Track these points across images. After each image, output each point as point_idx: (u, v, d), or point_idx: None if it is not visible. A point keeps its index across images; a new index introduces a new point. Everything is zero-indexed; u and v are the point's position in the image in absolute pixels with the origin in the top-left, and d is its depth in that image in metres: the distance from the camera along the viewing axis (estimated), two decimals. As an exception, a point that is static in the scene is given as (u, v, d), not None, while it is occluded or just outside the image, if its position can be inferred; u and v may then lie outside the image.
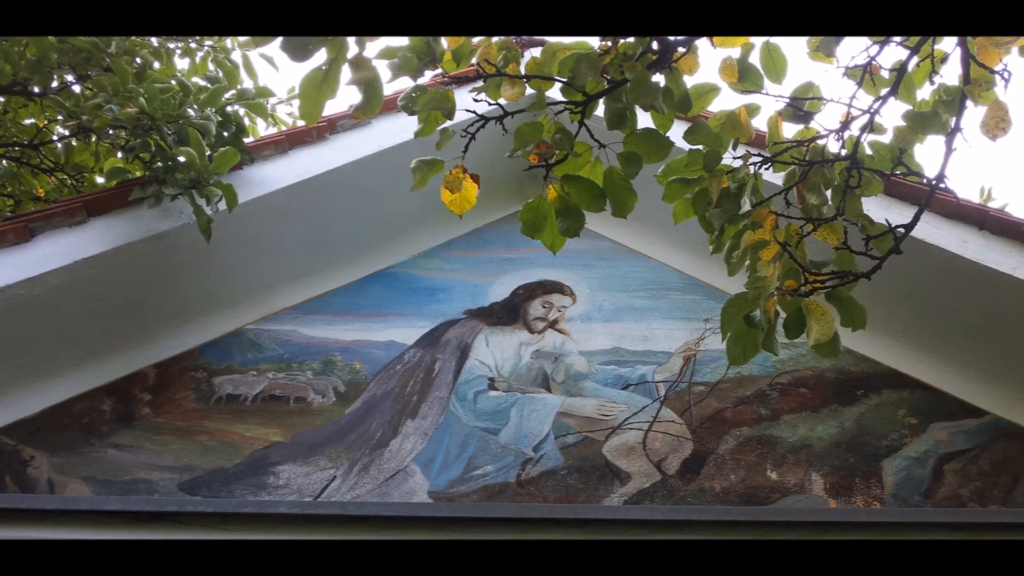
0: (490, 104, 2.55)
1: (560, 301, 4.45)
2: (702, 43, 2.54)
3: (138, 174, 4.23)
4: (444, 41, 2.48)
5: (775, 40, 2.67)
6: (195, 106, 4.04)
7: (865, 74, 2.62)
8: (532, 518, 3.47)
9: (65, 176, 6.10)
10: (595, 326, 4.34)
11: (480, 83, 2.53)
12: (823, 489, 3.73)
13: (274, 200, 4.12)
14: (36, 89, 5.34)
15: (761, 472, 3.79)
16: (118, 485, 3.74)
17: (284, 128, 6.24)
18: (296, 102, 6.08)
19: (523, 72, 2.54)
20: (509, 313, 4.42)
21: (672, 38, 2.45)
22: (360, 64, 2.30)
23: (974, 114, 2.84)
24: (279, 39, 2.21)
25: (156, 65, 5.20)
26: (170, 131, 3.87)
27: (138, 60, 5.02)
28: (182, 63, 5.80)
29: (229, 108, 4.23)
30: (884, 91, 2.61)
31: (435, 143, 2.51)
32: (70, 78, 5.34)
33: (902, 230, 2.53)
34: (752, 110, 2.71)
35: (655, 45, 2.45)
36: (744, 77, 2.66)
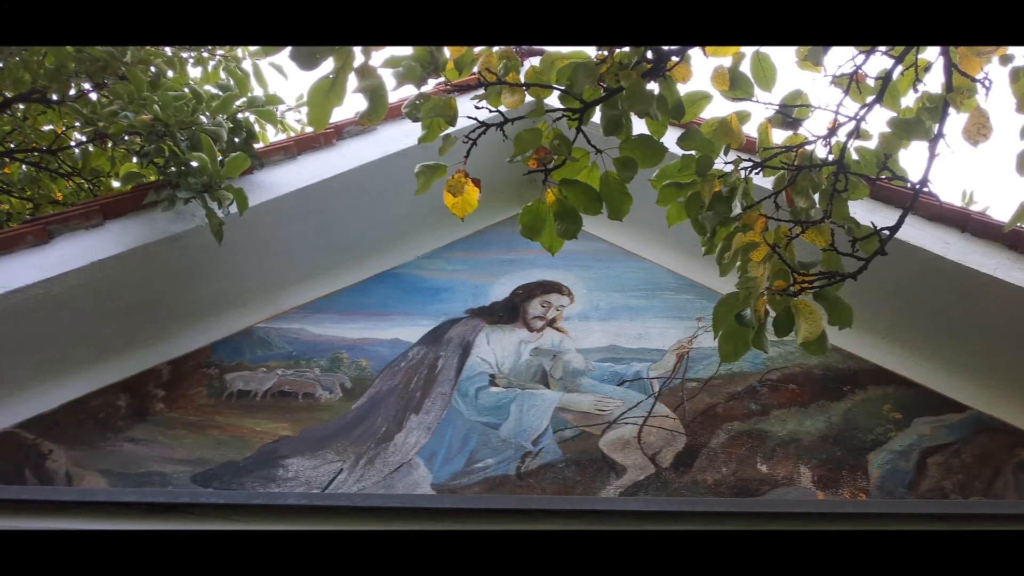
0: (491, 111, 2.56)
1: (558, 301, 4.49)
2: (695, 52, 2.56)
3: (152, 178, 4.25)
4: (447, 50, 2.49)
5: (765, 49, 2.70)
6: (207, 113, 4.06)
7: (851, 82, 2.66)
8: (531, 509, 3.52)
9: (82, 180, 6.11)
10: (592, 325, 4.37)
11: (481, 91, 2.55)
12: (811, 481, 3.75)
13: (283, 204, 4.17)
14: (54, 97, 5.34)
15: (752, 465, 3.82)
16: (133, 478, 3.78)
17: (293, 134, 6.16)
18: (304, 109, 6.05)
19: (523, 80, 2.57)
20: (509, 312, 4.46)
21: (666, 47, 2.48)
22: (366, 72, 2.32)
23: (956, 121, 2.85)
24: (288, 48, 2.24)
25: (170, 73, 5.17)
26: (183, 137, 3.91)
27: (152, 69, 4.98)
28: (195, 72, 5.79)
29: (240, 115, 4.25)
30: (870, 99, 2.65)
31: (438, 149, 2.54)
32: (87, 86, 5.34)
33: (887, 232, 2.58)
34: (743, 117, 2.73)
35: (649, 54, 2.48)
36: (735, 85, 2.69)
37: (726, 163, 2.70)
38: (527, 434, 3.98)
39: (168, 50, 5.32)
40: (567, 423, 4.02)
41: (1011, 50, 2.59)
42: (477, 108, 2.57)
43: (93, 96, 5.45)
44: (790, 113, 2.77)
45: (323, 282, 4.50)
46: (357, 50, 2.30)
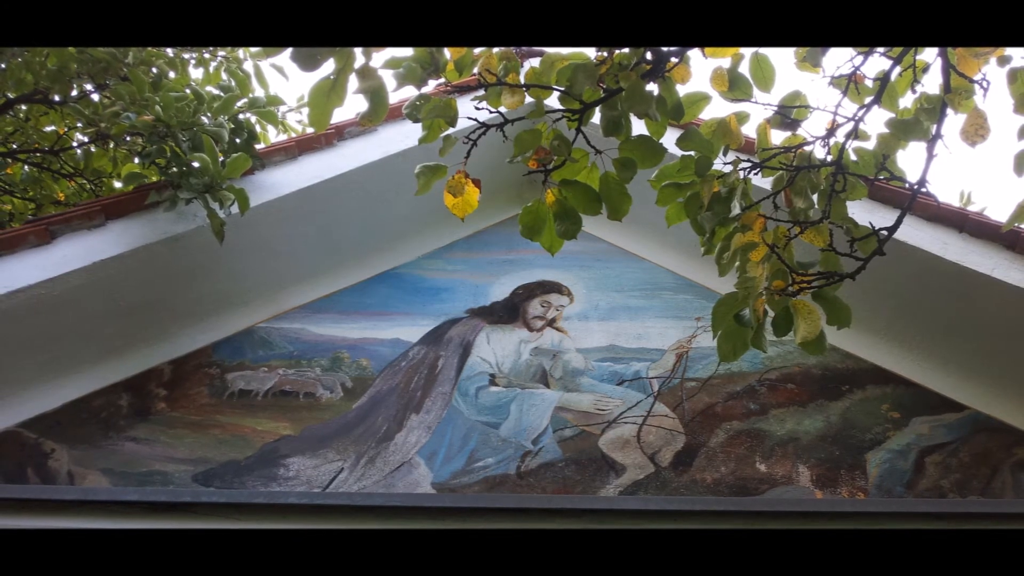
0: (491, 112, 2.56)
1: (558, 300, 4.50)
2: (694, 53, 2.57)
3: (154, 179, 4.28)
4: (447, 51, 2.49)
5: (764, 50, 2.70)
6: (209, 114, 4.08)
7: (850, 83, 2.67)
8: (531, 508, 3.54)
9: (84, 181, 6.15)
10: (591, 324, 4.38)
11: (481, 92, 2.56)
12: (810, 480, 3.76)
13: (284, 204, 4.18)
14: (56, 97, 5.39)
15: (750, 464, 3.83)
16: (135, 477, 3.79)
17: (294, 135, 6.20)
18: (305, 110, 6.09)
19: (523, 81, 2.57)
20: (509, 312, 4.47)
21: (665, 49, 2.48)
22: (367, 74, 2.33)
23: (954, 121, 2.87)
24: (289, 50, 2.24)
25: (171, 75, 5.20)
26: (185, 138, 3.92)
27: (154, 70, 5.02)
28: (196, 73, 5.82)
29: (241, 116, 4.27)
30: (868, 99, 2.66)
31: (438, 149, 2.55)
32: (89, 87, 5.38)
33: (885, 232, 2.58)
34: (742, 118, 2.74)
35: (649, 55, 2.49)
36: (734, 86, 2.70)
37: (725, 164, 2.70)
38: (527, 433, 3.99)
39: (170, 51, 5.36)
40: (567, 422, 4.03)
41: (1009, 51, 2.60)
42: (477, 109, 2.57)
43: (95, 97, 5.49)
44: (789, 114, 2.78)
45: (324, 282, 4.51)
46: (358, 51, 2.31)
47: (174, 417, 4.04)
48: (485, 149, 2.59)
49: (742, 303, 2.49)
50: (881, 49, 2.62)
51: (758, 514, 3.53)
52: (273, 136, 6.14)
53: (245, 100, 4.39)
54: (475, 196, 2.62)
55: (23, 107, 5.95)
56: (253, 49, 5.78)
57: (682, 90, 2.65)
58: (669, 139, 2.68)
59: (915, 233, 3.83)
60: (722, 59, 2.68)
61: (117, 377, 4.07)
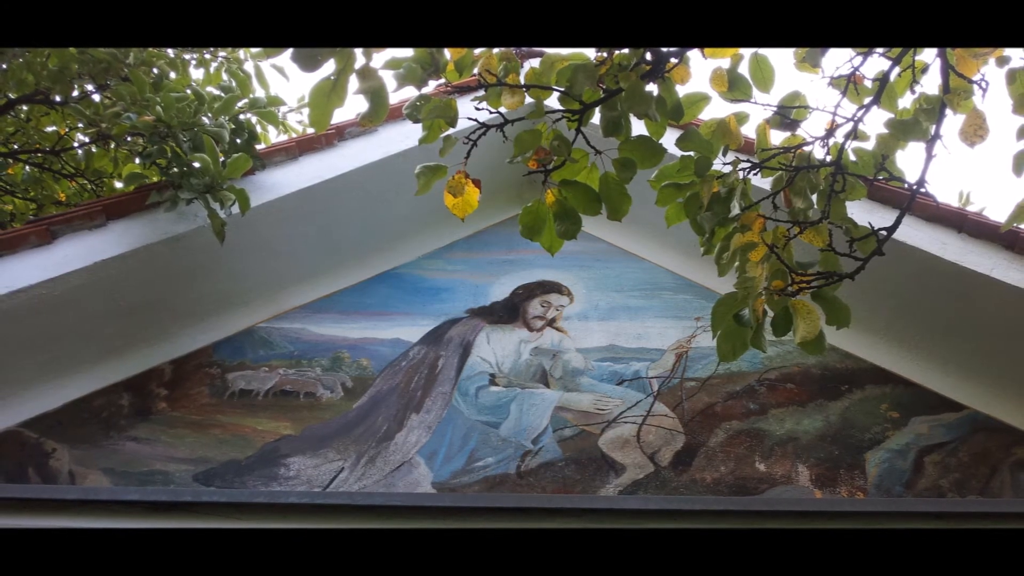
0: (491, 112, 2.56)
1: (558, 300, 4.50)
2: (693, 54, 2.57)
3: (155, 179, 4.27)
4: (447, 52, 2.50)
5: (763, 51, 2.71)
6: (209, 114, 4.08)
7: (849, 84, 2.67)
8: (531, 507, 3.54)
9: (85, 181, 6.15)
10: (591, 324, 4.38)
11: (481, 92, 2.56)
12: (809, 480, 3.76)
13: (285, 204, 4.18)
14: (57, 98, 5.37)
15: (750, 464, 3.83)
16: (136, 476, 3.79)
17: (294, 135, 6.19)
18: (306, 110, 6.08)
19: (523, 82, 2.57)
20: (509, 312, 4.47)
21: (665, 49, 2.48)
22: (367, 74, 2.33)
23: (953, 122, 2.86)
24: (290, 50, 2.25)
25: (172, 75, 5.18)
26: (186, 138, 3.92)
27: (155, 70, 5.01)
28: (197, 73, 5.80)
29: (242, 116, 4.27)
30: (867, 100, 2.66)
31: (438, 150, 2.56)
32: (90, 87, 5.36)
33: (884, 233, 2.58)
34: (741, 118, 2.74)
35: (648, 56, 2.49)
36: (734, 86, 2.70)
37: (724, 164, 2.70)
38: (527, 433, 3.99)
39: (171, 52, 5.35)
40: (567, 422, 4.03)
41: (1007, 51, 2.61)
42: (477, 109, 2.57)
43: (96, 97, 5.48)
44: (788, 114, 2.78)
45: (324, 282, 4.51)
46: (358, 52, 2.31)
47: (175, 417, 4.04)
48: (485, 149, 2.59)
49: (741, 303, 2.49)
50: (880, 49, 2.61)
51: (757, 514, 3.53)
52: (274, 136, 6.14)
53: (246, 100, 4.39)
54: (475, 196, 2.62)
55: (24, 107, 5.94)
56: (254, 50, 5.77)
57: (682, 90, 2.66)
58: (669, 139, 2.68)
59: (914, 233, 3.83)
60: (722, 59, 2.68)
61: (118, 377, 4.06)
